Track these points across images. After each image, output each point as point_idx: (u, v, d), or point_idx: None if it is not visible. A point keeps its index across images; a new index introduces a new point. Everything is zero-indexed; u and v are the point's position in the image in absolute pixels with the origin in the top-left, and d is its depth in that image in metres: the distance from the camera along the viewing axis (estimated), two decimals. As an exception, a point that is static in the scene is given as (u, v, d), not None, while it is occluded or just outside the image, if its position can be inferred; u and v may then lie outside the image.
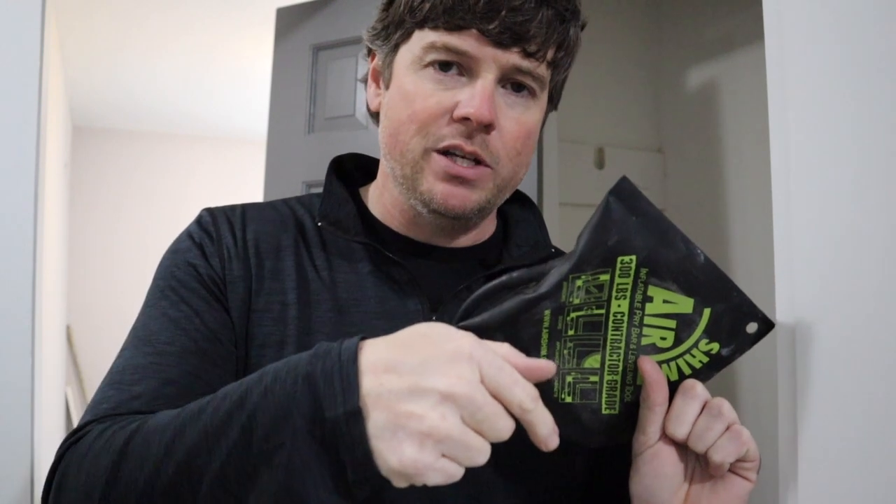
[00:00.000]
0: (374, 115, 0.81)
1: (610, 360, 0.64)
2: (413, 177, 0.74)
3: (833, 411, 0.64)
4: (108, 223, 5.18)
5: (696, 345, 0.64)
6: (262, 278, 0.76)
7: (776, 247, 0.70)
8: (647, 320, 0.63)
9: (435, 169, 0.72)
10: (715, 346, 0.64)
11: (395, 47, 0.75)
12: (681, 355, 0.65)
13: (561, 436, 0.54)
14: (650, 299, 0.62)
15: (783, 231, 0.69)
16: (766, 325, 0.64)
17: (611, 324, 0.63)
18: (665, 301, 0.63)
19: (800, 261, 0.67)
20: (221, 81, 4.11)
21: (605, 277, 0.61)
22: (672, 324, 0.63)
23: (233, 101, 4.50)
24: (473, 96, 0.70)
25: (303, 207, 0.83)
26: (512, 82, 0.73)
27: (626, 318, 0.63)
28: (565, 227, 1.82)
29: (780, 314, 0.69)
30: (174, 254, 0.77)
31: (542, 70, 0.73)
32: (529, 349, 0.61)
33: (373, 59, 0.81)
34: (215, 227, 0.77)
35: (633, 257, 0.60)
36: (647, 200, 0.61)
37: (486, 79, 0.71)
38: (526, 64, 0.71)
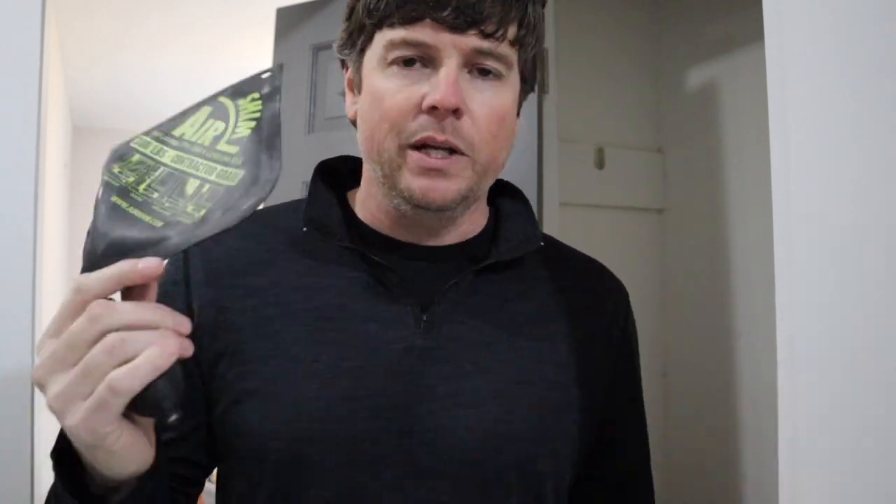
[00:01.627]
0: (354, 124, 0.81)
1: (201, 171, 0.65)
2: (392, 175, 0.74)
3: (833, 413, 0.64)
4: (108, 223, 5.17)
5: (237, 105, 0.68)
6: (239, 297, 0.76)
7: (776, 247, 0.70)
8: (194, 139, 0.67)
9: (410, 165, 0.72)
10: (254, 94, 0.68)
11: (361, 52, 0.77)
12: (238, 116, 0.67)
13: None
14: (184, 134, 0.67)
15: (783, 231, 0.69)
16: (277, 68, 0.68)
17: (175, 164, 0.66)
18: (192, 125, 0.67)
19: (800, 261, 0.67)
20: (221, 81, 4.07)
21: (135, 158, 0.66)
22: (211, 122, 0.67)
23: (233, 101, 4.49)
24: (438, 84, 0.70)
25: (286, 214, 0.82)
26: (477, 67, 0.73)
27: (182, 153, 0.66)
28: (565, 228, 1.82)
29: (780, 314, 0.69)
30: None
31: (506, 49, 0.73)
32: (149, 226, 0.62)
33: (347, 69, 0.82)
34: (185, 253, 0.77)
35: (139, 136, 0.67)
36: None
37: (449, 65, 0.71)
38: (486, 45, 0.71)
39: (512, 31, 0.73)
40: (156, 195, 0.64)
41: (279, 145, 0.65)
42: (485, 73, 0.73)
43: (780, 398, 0.69)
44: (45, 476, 0.73)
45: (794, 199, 0.68)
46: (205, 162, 0.66)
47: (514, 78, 0.76)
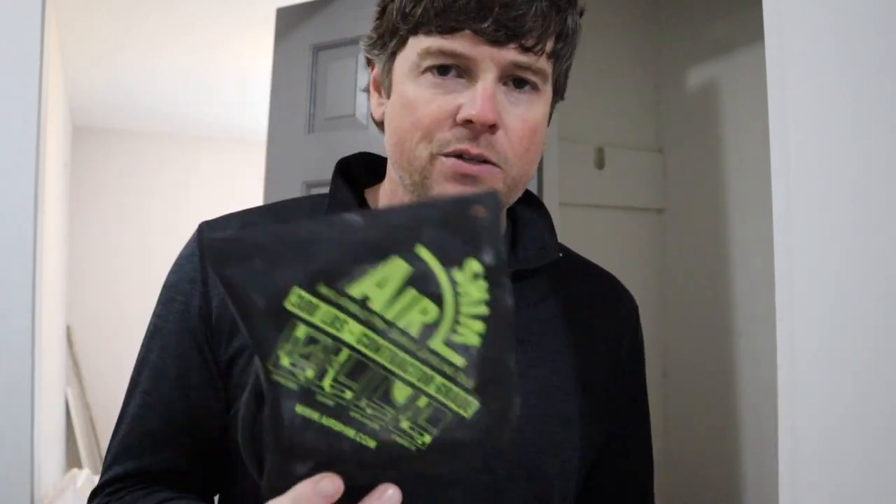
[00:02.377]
0: (380, 125, 0.80)
1: (412, 375, 0.52)
2: (422, 183, 0.72)
3: (833, 413, 0.64)
4: (109, 223, 5.17)
5: (453, 281, 0.51)
6: None
7: (776, 246, 0.70)
8: (389, 315, 0.51)
9: (443, 171, 0.71)
10: (473, 264, 0.51)
11: (392, 55, 0.75)
12: (459, 304, 0.52)
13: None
14: (367, 298, 0.50)
15: (783, 230, 0.69)
16: (492, 198, 0.52)
17: (367, 351, 0.51)
18: (378, 285, 0.50)
19: (799, 260, 0.67)
20: (221, 82, 4.11)
21: (300, 332, 0.50)
22: (411, 293, 0.51)
23: (233, 101, 4.50)
24: (475, 98, 0.69)
25: (306, 210, 0.82)
26: (513, 79, 0.71)
27: (373, 333, 0.51)
28: (565, 228, 1.82)
29: (780, 314, 0.69)
30: (166, 289, 0.79)
31: (543, 63, 0.71)
32: (341, 444, 0.51)
33: (373, 68, 0.80)
34: (202, 250, 0.77)
35: (296, 291, 0.49)
36: (240, 237, 0.51)
37: (486, 79, 0.69)
38: (525, 59, 0.70)
39: (550, 45, 0.71)
40: (349, 395, 0.51)
41: (514, 369, 0.53)
42: (520, 84, 0.72)
43: (780, 398, 0.69)
44: (45, 476, 0.73)
45: (794, 199, 0.68)
46: (414, 363, 0.52)
47: (548, 90, 0.75)
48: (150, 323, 0.79)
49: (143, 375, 0.77)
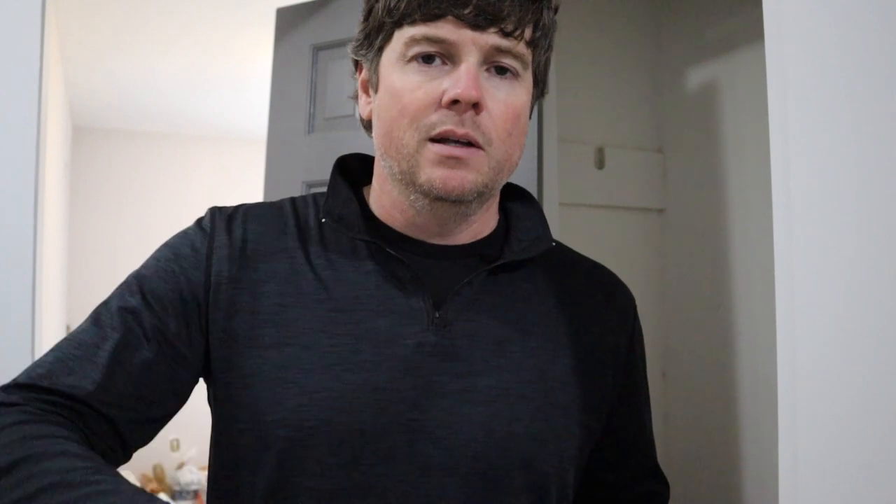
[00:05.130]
0: (367, 125, 0.82)
1: None
2: (410, 171, 0.75)
3: (833, 412, 0.64)
4: (109, 223, 5.17)
5: None
6: (257, 281, 0.77)
7: (776, 247, 0.71)
8: None
9: (430, 157, 0.74)
10: None
11: (379, 51, 0.78)
12: None
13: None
14: None
15: (783, 231, 0.69)
16: None
17: None
18: None
19: (799, 260, 0.67)
20: (221, 81, 4.11)
21: None
22: None
23: (233, 101, 4.49)
24: (459, 78, 0.72)
25: (306, 206, 0.84)
26: (495, 65, 0.75)
27: None
28: (565, 228, 1.82)
29: (780, 314, 0.69)
30: (166, 247, 0.79)
31: (522, 48, 0.75)
32: None
33: (360, 72, 0.83)
34: (212, 228, 0.79)
35: None
36: None
37: (469, 61, 0.73)
38: (505, 43, 0.74)
39: (528, 32, 0.75)
40: None
41: None
42: (501, 71, 0.75)
43: (780, 398, 0.69)
44: (46, 476, 0.72)
45: (794, 199, 0.68)
46: None
47: (528, 78, 0.78)
48: (139, 269, 0.78)
49: (113, 309, 0.74)
